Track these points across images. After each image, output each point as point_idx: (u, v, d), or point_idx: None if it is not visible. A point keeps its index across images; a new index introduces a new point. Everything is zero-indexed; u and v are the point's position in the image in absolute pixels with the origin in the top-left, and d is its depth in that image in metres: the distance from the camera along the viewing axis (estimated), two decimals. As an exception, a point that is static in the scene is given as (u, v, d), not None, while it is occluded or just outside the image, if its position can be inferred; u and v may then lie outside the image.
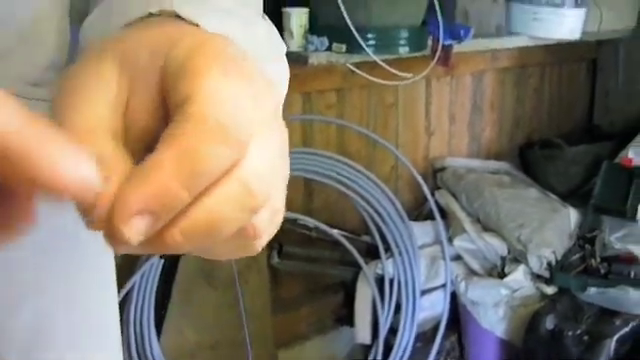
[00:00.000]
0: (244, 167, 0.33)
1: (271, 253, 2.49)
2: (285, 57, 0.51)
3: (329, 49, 2.36)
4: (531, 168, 3.26)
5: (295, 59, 2.24)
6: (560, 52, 3.32)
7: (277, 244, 2.49)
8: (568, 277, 2.52)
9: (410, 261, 2.53)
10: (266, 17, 0.51)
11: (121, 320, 0.72)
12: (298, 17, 2.30)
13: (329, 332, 2.80)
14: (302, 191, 2.65)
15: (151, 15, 0.40)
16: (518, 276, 2.55)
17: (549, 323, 2.40)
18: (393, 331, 2.55)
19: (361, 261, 2.52)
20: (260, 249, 0.39)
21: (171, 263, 2.25)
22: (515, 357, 2.55)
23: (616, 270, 2.48)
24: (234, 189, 0.33)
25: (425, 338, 2.64)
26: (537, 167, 3.25)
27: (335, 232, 2.52)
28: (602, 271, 2.50)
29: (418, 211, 2.95)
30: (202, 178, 0.32)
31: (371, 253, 2.59)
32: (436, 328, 2.63)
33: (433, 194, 2.84)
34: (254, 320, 2.43)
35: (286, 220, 0.40)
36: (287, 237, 2.51)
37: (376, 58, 2.34)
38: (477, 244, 2.67)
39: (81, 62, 0.36)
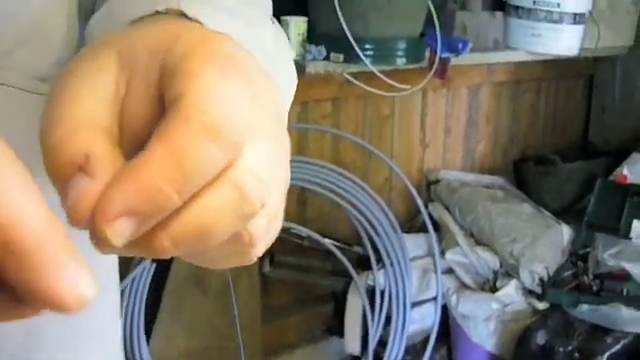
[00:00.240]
0: (238, 170, 0.32)
1: (263, 261, 2.48)
2: (292, 63, 0.50)
3: (327, 58, 2.36)
4: (525, 184, 3.26)
5: (292, 67, 2.23)
6: (557, 68, 3.32)
7: (269, 252, 2.48)
8: (560, 293, 2.51)
9: (402, 273, 2.52)
10: (275, 21, 0.51)
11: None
12: (296, 26, 2.30)
13: (319, 342, 2.79)
14: (295, 200, 2.65)
15: (157, 13, 0.39)
16: (510, 291, 2.55)
17: (540, 339, 2.40)
18: (383, 343, 2.54)
19: (352, 271, 2.51)
20: (256, 258, 0.37)
21: (163, 268, 2.24)
22: (505, 372, 2.55)
23: (609, 287, 2.48)
24: (227, 193, 0.32)
25: (415, 351, 2.63)
26: (531, 183, 3.25)
27: (327, 242, 2.52)
28: (594, 288, 2.50)
29: (411, 223, 2.94)
30: (192, 179, 0.30)
31: (362, 264, 2.58)
32: (426, 341, 2.62)
33: (426, 206, 2.83)
34: (244, 328, 2.42)
35: (278, 228, 0.39)
36: (279, 245, 2.50)
37: (373, 69, 2.34)
38: (469, 258, 2.67)
39: (80, 57, 0.35)
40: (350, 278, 2.53)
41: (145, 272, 2.20)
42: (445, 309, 2.64)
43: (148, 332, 2.27)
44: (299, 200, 2.66)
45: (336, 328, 2.63)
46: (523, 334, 2.45)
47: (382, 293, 2.52)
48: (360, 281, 2.52)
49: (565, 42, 2.80)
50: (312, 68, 2.33)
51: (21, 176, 0.27)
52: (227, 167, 0.32)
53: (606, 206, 2.77)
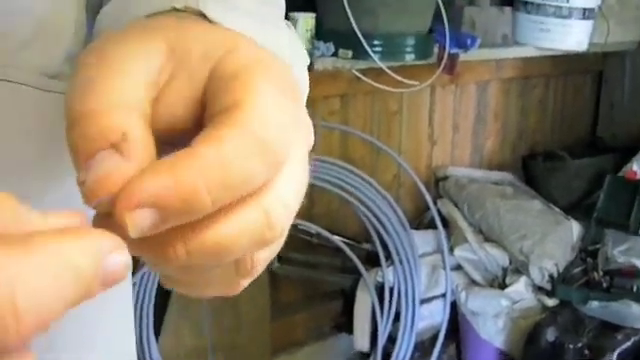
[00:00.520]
0: (271, 197, 0.31)
1: (271, 258, 2.47)
2: (307, 69, 0.50)
3: (335, 55, 2.35)
4: (534, 180, 3.25)
5: (301, 64, 2.23)
6: (566, 63, 3.31)
7: (277, 249, 2.47)
8: (570, 290, 2.50)
9: (410, 270, 2.51)
10: (290, 24, 0.50)
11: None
12: (305, 22, 2.29)
13: (327, 339, 2.79)
14: (304, 197, 2.64)
15: (174, 10, 0.38)
16: (519, 287, 2.54)
17: (550, 335, 2.39)
18: (392, 339, 2.53)
19: (361, 268, 2.51)
20: (241, 289, 0.37)
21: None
22: (514, 369, 2.54)
23: (618, 284, 2.47)
24: (255, 216, 0.31)
25: (424, 347, 2.62)
26: (540, 179, 3.24)
27: (336, 238, 2.51)
28: (604, 284, 2.49)
29: (419, 220, 2.94)
30: (231, 189, 0.29)
31: (371, 261, 2.57)
32: (435, 337, 2.62)
33: (435, 203, 2.82)
34: (252, 325, 2.42)
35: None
36: (288, 242, 2.48)
37: (382, 65, 2.34)
38: (478, 254, 2.66)
39: (121, 35, 0.34)
40: (359, 275, 2.53)
41: (154, 269, 2.19)
42: (454, 306, 2.64)
43: (157, 330, 2.27)
44: (307, 197, 2.63)
45: (345, 325, 2.63)
46: (533, 331, 2.44)
47: (391, 290, 2.51)
48: (369, 278, 2.51)
49: (574, 37, 2.78)
50: (320, 65, 2.32)
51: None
52: (259, 189, 0.31)
53: (616, 202, 2.76)
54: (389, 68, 2.37)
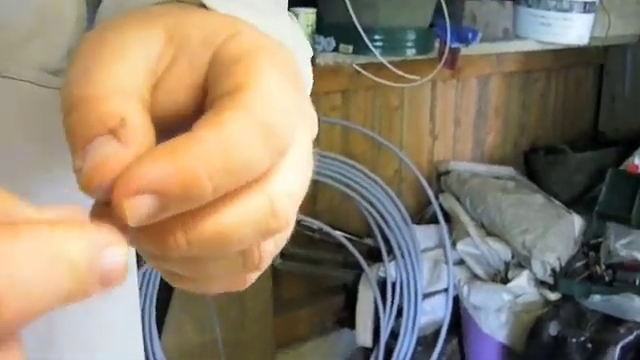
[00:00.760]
0: (276, 186, 0.30)
1: (273, 254, 2.48)
2: (310, 62, 0.49)
3: (336, 50, 2.35)
4: (535, 174, 3.25)
5: (302, 59, 2.23)
6: (567, 57, 3.31)
7: (280, 245, 2.48)
8: (572, 284, 2.51)
9: (412, 264, 2.52)
10: (293, 16, 0.50)
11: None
12: (305, 17, 2.29)
13: (330, 334, 2.79)
14: (306, 192, 2.64)
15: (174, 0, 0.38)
16: (521, 282, 2.54)
17: (552, 329, 2.39)
18: (394, 334, 2.54)
19: (363, 263, 2.51)
20: (248, 285, 0.36)
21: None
22: (516, 363, 2.54)
23: (621, 277, 2.47)
24: (259, 204, 0.30)
25: (426, 342, 2.62)
26: (541, 173, 3.24)
27: (338, 234, 2.51)
28: (607, 278, 2.49)
29: (421, 214, 2.94)
30: (234, 175, 0.28)
31: (373, 256, 2.58)
32: (437, 332, 2.62)
33: (437, 197, 2.82)
34: (255, 320, 2.42)
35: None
36: (290, 238, 2.49)
37: (383, 59, 2.33)
38: (480, 249, 2.66)
39: (120, 21, 0.34)
40: (361, 270, 2.53)
41: (156, 266, 2.20)
42: (456, 300, 2.64)
43: (160, 325, 2.28)
44: (309, 192, 2.61)
45: (347, 320, 2.63)
46: (535, 325, 2.44)
47: (393, 285, 2.51)
48: (371, 273, 2.51)
49: (575, 31, 2.78)
50: (321, 60, 2.32)
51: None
52: (262, 176, 0.30)
53: (617, 196, 2.75)
54: (390, 63, 2.37)
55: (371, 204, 2.50)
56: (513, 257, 2.64)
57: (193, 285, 0.36)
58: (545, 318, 2.43)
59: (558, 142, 3.40)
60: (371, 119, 2.82)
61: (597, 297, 2.43)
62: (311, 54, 0.50)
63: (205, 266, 0.34)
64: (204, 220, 0.29)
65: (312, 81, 0.49)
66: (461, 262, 2.69)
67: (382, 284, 2.53)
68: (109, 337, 0.60)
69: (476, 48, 2.68)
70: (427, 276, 2.62)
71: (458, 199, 2.86)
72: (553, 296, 2.52)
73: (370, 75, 2.45)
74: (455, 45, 2.54)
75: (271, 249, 0.33)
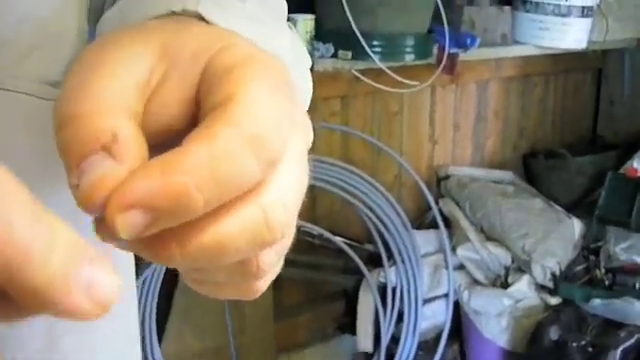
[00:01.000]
0: (270, 196, 0.31)
1: (274, 260, 2.47)
2: (309, 71, 0.49)
3: (335, 56, 2.35)
4: (535, 178, 3.25)
5: (300, 65, 2.23)
6: (565, 62, 3.31)
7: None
8: (572, 288, 2.51)
9: (413, 269, 2.52)
10: (292, 26, 0.50)
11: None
12: (304, 23, 2.29)
13: (330, 340, 2.79)
14: (305, 198, 2.63)
15: (173, 13, 0.38)
16: (522, 286, 2.54)
17: (553, 334, 2.39)
18: (395, 340, 2.53)
19: (364, 269, 2.51)
20: (259, 294, 0.36)
21: (174, 268, 2.24)
22: (518, 368, 2.54)
23: (621, 281, 2.47)
24: (253, 216, 0.30)
25: (427, 347, 2.62)
26: (541, 177, 3.24)
27: (338, 240, 2.51)
28: (607, 282, 2.49)
29: (421, 219, 2.94)
30: (224, 188, 0.29)
31: (374, 261, 2.58)
32: (438, 337, 2.62)
33: (437, 202, 2.83)
34: (256, 327, 2.42)
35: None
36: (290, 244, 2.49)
37: (382, 65, 2.34)
38: (481, 253, 2.66)
39: (112, 38, 0.34)
40: (361, 275, 2.53)
41: (157, 272, 2.20)
42: (457, 305, 2.64)
43: (160, 332, 2.27)
44: (309, 198, 2.63)
45: (348, 326, 2.63)
46: (536, 330, 2.44)
47: (394, 290, 2.51)
48: (371, 278, 2.51)
49: (573, 35, 2.79)
50: (320, 66, 2.32)
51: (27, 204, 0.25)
52: (255, 188, 0.30)
53: (617, 200, 2.76)
54: (389, 68, 2.37)
55: (371, 209, 2.50)
56: (513, 262, 2.64)
57: (204, 288, 0.37)
58: (546, 322, 2.43)
59: (557, 146, 3.40)
60: (370, 124, 2.82)
61: (597, 301, 2.43)
62: (310, 63, 0.50)
63: (208, 273, 0.34)
64: (198, 232, 0.30)
65: (311, 89, 0.49)
66: (461, 267, 2.69)
67: (382, 289, 2.53)
68: (108, 342, 0.60)
69: (475, 53, 2.68)
70: (427, 281, 2.62)
71: (458, 204, 2.86)
72: (553, 300, 2.52)
73: (369, 81, 2.46)
74: (454, 50, 2.54)
75: (271, 259, 0.33)
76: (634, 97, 3.49)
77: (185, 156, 0.28)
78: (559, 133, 3.55)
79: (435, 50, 2.54)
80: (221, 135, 0.29)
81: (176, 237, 0.30)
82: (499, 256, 2.64)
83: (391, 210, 2.52)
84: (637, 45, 3.30)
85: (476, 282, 2.65)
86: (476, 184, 2.91)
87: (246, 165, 0.29)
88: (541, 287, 2.56)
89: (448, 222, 2.81)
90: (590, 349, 2.34)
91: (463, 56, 2.62)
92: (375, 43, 2.33)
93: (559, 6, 2.71)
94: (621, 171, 2.93)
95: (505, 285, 2.59)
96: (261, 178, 0.30)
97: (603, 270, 2.53)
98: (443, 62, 2.50)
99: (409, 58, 2.44)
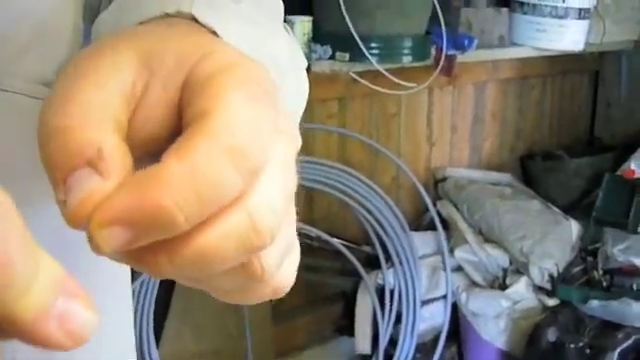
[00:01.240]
0: (255, 200, 0.30)
1: (271, 262, 2.47)
2: (305, 72, 0.49)
3: (332, 58, 2.36)
4: (532, 180, 3.26)
5: (298, 67, 2.23)
6: (562, 63, 3.32)
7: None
8: (570, 289, 2.51)
9: (411, 271, 2.52)
10: (289, 28, 0.50)
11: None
12: (302, 25, 2.29)
13: (329, 342, 2.79)
14: (303, 200, 2.64)
15: (167, 15, 0.38)
16: (519, 288, 2.54)
17: (551, 335, 2.39)
18: (393, 342, 2.53)
19: (362, 271, 2.51)
20: (271, 296, 0.36)
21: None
22: (515, 369, 2.54)
23: (618, 283, 2.47)
24: (239, 221, 0.30)
25: (425, 349, 2.62)
26: (538, 179, 3.25)
27: (336, 241, 2.51)
28: (604, 283, 2.49)
29: (419, 221, 2.94)
30: (206, 202, 0.29)
31: (372, 263, 2.58)
32: (436, 339, 2.62)
33: (434, 204, 2.83)
34: (254, 329, 2.42)
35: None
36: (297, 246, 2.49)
37: (379, 67, 2.34)
38: (478, 255, 2.66)
39: (99, 48, 0.34)
40: (359, 277, 2.53)
41: (154, 275, 2.19)
42: (455, 307, 2.64)
43: (158, 335, 2.27)
44: (307, 200, 2.66)
45: (346, 328, 2.63)
46: (534, 331, 2.44)
47: (392, 292, 2.51)
48: (369, 280, 2.51)
49: (570, 37, 2.79)
50: (318, 68, 2.33)
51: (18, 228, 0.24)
52: (240, 196, 0.30)
53: (614, 201, 2.76)
54: (386, 70, 2.38)
55: (369, 211, 2.50)
56: (511, 263, 2.64)
57: (211, 292, 0.37)
58: (543, 324, 2.43)
59: (555, 148, 3.40)
60: (368, 126, 2.82)
61: (595, 302, 2.43)
62: (306, 64, 0.50)
63: (207, 281, 0.34)
64: (185, 242, 0.29)
65: (308, 90, 0.49)
66: (459, 269, 2.69)
67: (380, 291, 2.53)
68: (102, 343, 0.60)
69: (472, 55, 2.68)
70: (425, 283, 2.62)
71: (455, 206, 2.86)
72: (551, 302, 2.52)
73: (367, 83, 2.46)
74: (451, 52, 2.55)
75: (273, 259, 0.33)
76: (631, 99, 3.49)
77: (163, 172, 0.28)
78: (556, 135, 3.55)
79: (432, 52, 2.54)
80: (200, 148, 0.29)
81: (164, 247, 0.30)
82: (497, 258, 2.64)
83: (389, 212, 2.52)
84: (634, 47, 3.30)
85: (474, 284, 2.65)
86: (474, 186, 2.91)
87: (226, 176, 0.29)
88: (539, 289, 2.57)
89: (446, 224, 2.81)
90: (588, 350, 2.34)
91: (460, 58, 2.62)
92: (373, 45, 2.33)
93: (556, 8, 2.72)
94: (618, 173, 2.94)
95: (503, 287, 2.59)
96: (243, 188, 0.30)
97: (601, 271, 2.53)
98: (440, 64, 2.50)
99: (406, 60, 2.44)
